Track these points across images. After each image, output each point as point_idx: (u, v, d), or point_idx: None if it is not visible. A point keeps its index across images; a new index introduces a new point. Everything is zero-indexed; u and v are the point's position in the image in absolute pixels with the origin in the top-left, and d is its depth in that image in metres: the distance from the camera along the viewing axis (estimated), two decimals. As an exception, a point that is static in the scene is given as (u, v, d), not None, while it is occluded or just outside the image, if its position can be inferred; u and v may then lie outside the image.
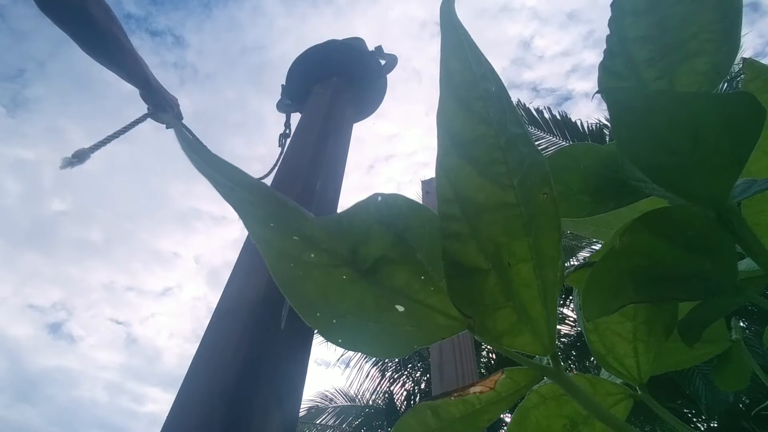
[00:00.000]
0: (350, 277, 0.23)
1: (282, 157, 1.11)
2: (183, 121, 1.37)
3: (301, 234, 0.21)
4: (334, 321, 0.23)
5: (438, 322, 0.24)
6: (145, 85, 1.20)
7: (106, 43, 1.04)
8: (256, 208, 0.21)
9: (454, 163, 0.22)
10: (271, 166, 1.63)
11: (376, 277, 0.23)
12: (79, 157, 1.04)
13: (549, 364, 0.26)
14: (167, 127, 1.32)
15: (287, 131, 1.65)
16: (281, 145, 1.64)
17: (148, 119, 1.27)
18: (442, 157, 0.23)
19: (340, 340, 0.23)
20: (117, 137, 1.15)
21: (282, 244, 0.21)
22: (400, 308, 0.23)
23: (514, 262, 0.24)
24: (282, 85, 1.65)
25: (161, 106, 1.25)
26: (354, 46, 1.55)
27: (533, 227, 0.23)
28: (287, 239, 0.21)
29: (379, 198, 0.22)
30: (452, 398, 0.26)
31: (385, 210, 0.23)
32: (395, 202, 0.23)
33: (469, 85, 0.22)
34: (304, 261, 0.22)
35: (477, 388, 0.26)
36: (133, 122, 1.21)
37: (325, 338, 0.23)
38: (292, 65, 1.55)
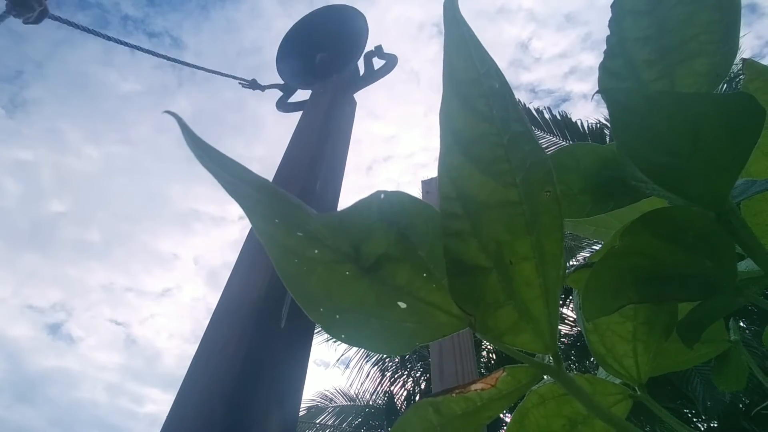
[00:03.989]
0: (353, 273, 0.23)
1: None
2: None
3: (305, 231, 0.21)
4: (337, 317, 0.23)
5: (439, 319, 0.24)
6: None
7: None
8: (260, 205, 0.21)
9: (456, 160, 0.23)
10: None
11: (378, 273, 0.23)
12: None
13: (550, 362, 0.27)
14: (25, 22, 1.04)
15: (263, 88, 1.67)
16: (246, 85, 1.66)
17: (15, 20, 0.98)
18: (445, 155, 0.23)
19: (342, 336, 0.24)
20: None
21: (286, 240, 0.22)
22: (402, 305, 0.24)
23: (515, 261, 0.24)
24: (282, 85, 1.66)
25: None
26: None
27: (535, 226, 0.23)
28: (291, 235, 0.21)
29: (382, 195, 0.23)
30: (454, 395, 0.26)
31: (387, 207, 0.23)
32: (398, 200, 0.23)
33: (472, 82, 0.22)
34: (308, 257, 0.22)
35: (478, 385, 0.26)
36: None
37: (329, 333, 0.24)
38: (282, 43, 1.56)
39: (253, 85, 1.67)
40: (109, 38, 1.38)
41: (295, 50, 1.53)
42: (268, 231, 0.21)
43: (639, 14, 0.29)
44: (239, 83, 1.69)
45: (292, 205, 0.21)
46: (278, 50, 1.56)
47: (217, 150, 0.19)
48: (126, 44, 1.44)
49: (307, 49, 1.49)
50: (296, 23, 1.56)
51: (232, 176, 0.20)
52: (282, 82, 1.62)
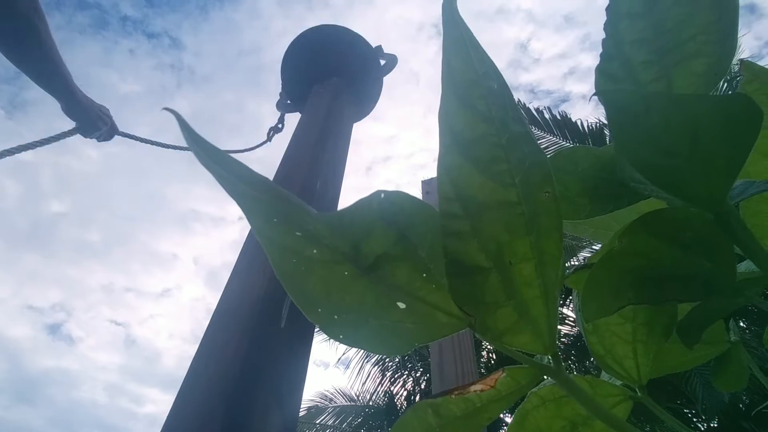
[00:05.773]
0: (352, 273, 0.23)
1: (279, 151, 1.10)
2: (125, 131, 1.23)
3: (304, 230, 0.21)
4: (336, 317, 0.23)
5: (439, 319, 0.24)
6: (68, 97, 0.99)
7: (21, 33, 0.80)
8: (259, 204, 0.21)
9: (455, 161, 0.23)
10: (253, 146, 1.64)
11: (377, 273, 0.23)
12: None
13: (550, 363, 0.27)
14: (99, 140, 1.17)
15: (279, 126, 1.66)
16: (269, 137, 1.66)
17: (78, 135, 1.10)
18: (444, 156, 0.23)
19: (341, 336, 0.24)
20: (32, 148, 1.00)
21: (285, 239, 0.22)
22: (401, 305, 0.24)
23: (515, 261, 0.24)
24: (282, 87, 1.66)
25: (91, 122, 1.09)
26: (352, 41, 1.56)
27: (535, 226, 0.23)
28: (290, 235, 0.21)
29: (382, 195, 0.23)
30: (453, 396, 0.26)
31: (387, 207, 0.23)
32: (398, 200, 0.23)
33: (471, 83, 0.22)
34: (307, 257, 0.22)
35: (478, 387, 0.27)
36: (56, 135, 1.06)
37: (327, 334, 0.24)
38: (286, 54, 1.55)
39: (276, 130, 1.66)
40: (167, 146, 1.42)
41: (300, 76, 1.50)
42: (266, 230, 0.21)
43: (635, 16, 0.29)
44: (268, 142, 1.67)
45: (291, 204, 0.21)
46: (282, 67, 1.54)
47: (216, 147, 0.19)
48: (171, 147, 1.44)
49: (312, 76, 1.45)
50: (296, 45, 1.52)
51: (230, 174, 0.20)
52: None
